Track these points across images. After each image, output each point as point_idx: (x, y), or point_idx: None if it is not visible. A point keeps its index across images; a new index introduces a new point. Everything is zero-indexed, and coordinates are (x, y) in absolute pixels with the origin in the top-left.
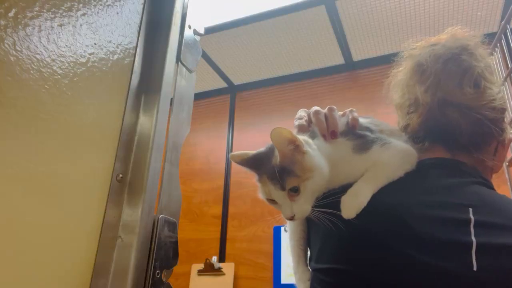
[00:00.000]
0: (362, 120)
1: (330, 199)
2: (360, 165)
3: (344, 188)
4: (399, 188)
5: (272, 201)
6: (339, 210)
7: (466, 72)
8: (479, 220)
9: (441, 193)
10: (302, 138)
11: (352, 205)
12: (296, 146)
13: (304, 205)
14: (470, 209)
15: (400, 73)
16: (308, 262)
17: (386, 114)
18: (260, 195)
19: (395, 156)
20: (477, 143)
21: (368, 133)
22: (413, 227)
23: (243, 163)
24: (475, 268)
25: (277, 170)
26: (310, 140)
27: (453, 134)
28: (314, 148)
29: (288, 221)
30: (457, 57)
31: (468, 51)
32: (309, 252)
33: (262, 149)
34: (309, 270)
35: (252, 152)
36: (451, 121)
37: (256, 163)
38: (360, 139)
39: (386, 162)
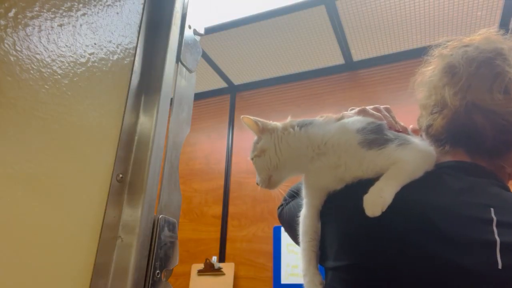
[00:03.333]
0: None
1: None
2: (374, 161)
3: (361, 183)
4: (420, 186)
5: None
6: (359, 205)
7: (498, 77)
8: (501, 220)
9: (463, 193)
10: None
11: (376, 203)
12: (262, 129)
13: (261, 174)
14: (492, 209)
15: (429, 72)
16: (322, 262)
17: None
18: None
19: (416, 155)
20: (499, 149)
21: (387, 132)
22: (437, 224)
23: None
24: (500, 266)
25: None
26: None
27: (477, 139)
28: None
29: (300, 223)
30: (491, 61)
31: (503, 55)
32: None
33: None
34: (320, 274)
35: None
36: (477, 126)
37: None
38: (374, 135)
39: (408, 160)
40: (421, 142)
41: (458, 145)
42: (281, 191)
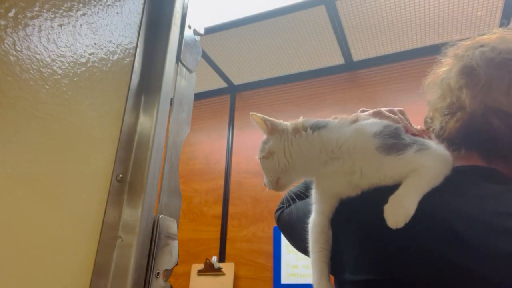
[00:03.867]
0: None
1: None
2: (393, 167)
3: (379, 191)
4: (440, 194)
5: None
6: (379, 215)
7: None
8: None
9: (486, 201)
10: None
11: (399, 214)
12: (270, 129)
13: (268, 176)
14: None
15: (443, 73)
16: (334, 273)
17: None
18: None
19: (436, 161)
20: None
21: (404, 136)
22: (462, 234)
23: None
24: None
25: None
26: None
27: (493, 143)
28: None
29: (310, 231)
30: (509, 62)
31: None
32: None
33: None
34: (332, 286)
35: None
36: (493, 129)
37: None
38: (392, 139)
39: (429, 166)
40: (438, 147)
41: (472, 149)
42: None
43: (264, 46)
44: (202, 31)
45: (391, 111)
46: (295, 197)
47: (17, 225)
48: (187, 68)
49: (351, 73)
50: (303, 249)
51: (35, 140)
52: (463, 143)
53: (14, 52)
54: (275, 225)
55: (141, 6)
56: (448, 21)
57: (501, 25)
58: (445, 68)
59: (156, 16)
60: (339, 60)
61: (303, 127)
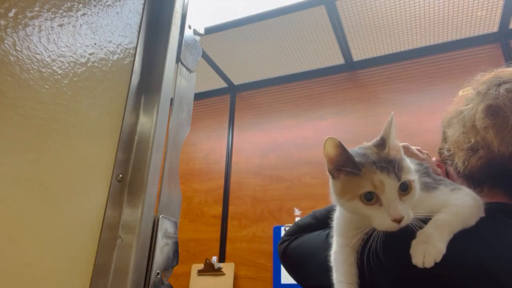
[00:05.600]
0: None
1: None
2: (426, 204)
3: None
4: (475, 235)
5: (369, 200)
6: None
7: None
8: None
9: None
10: None
11: (429, 252)
12: (399, 146)
13: (409, 210)
14: None
15: (465, 110)
16: None
17: (386, 114)
18: (351, 193)
19: (469, 201)
20: None
21: (434, 175)
22: (500, 279)
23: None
24: None
25: (395, 160)
26: None
27: None
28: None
29: (337, 263)
30: None
31: None
32: None
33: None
34: None
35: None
36: None
37: (358, 155)
38: (426, 177)
39: (461, 205)
40: (469, 190)
41: (496, 187)
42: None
43: (264, 46)
44: (202, 31)
45: (418, 150)
46: (303, 229)
47: (17, 225)
48: (187, 68)
49: (351, 73)
50: (310, 286)
51: (35, 140)
52: (487, 180)
53: (14, 52)
54: (275, 225)
55: (141, 6)
56: (448, 21)
57: (501, 25)
58: (467, 105)
59: (156, 16)
60: (339, 60)
61: None
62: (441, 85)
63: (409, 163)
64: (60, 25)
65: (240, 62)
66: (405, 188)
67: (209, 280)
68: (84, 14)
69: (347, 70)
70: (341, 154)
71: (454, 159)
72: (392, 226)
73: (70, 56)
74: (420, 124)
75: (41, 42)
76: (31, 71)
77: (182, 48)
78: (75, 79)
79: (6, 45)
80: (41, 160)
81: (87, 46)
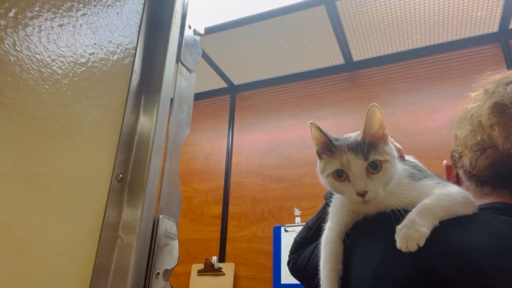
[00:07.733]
0: (413, 159)
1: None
2: (411, 192)
3: (394, 213)
4: (465, 230)
5: (340, 177)
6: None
7: None
8: None
9: None
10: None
11: (412, 236)
12: (383, 132)
13: (378, 187)
14: None
15: (472, 108)
16: None
17: (386, 114)
18: (327, 170)
19: (455, 193)
20: None
21: (427, 173)
22: (488, 274)
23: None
24: None
25: (364, 141)
26: None
27: None
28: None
29: (322, 248)
30: None
31: None
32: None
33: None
34: None
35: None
36: None
37: (336, 139)
38: (414, 169)
39: (445, 193)
40: (460, 187)
41: (502, 186)
42: None
43: (264, 46)
44: (202, 31)
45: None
46: (301, 244)
47: (17, 225)
48: (187, 68)
49: (351, 73)
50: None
51: (35, 140)
52: (493, 180)
53: (14, 52)
54: (275, 225)
55: (141, 6)
56: (448, 21)
57: (501, 25)
58: (474, 103)
59: (156, 16)
60: (339, 60)
61: None
62: (441, 85)
63: (393, 150)
64: (60, 25)
65: (240, 62)
66: (375, 167)
67: (209, 280)
68: (84, 14)
69: (347, 70)
70: (323, 137)
71: (462, 159)
72: (358, 200)
73: (70, 56)
74: (420, 124)
75: (41, 42)
76: (31, 71)
77: (182, 48)
78: (75, 79)
79: (6, 45)
80: (41, 160)
81: (87, 46)
